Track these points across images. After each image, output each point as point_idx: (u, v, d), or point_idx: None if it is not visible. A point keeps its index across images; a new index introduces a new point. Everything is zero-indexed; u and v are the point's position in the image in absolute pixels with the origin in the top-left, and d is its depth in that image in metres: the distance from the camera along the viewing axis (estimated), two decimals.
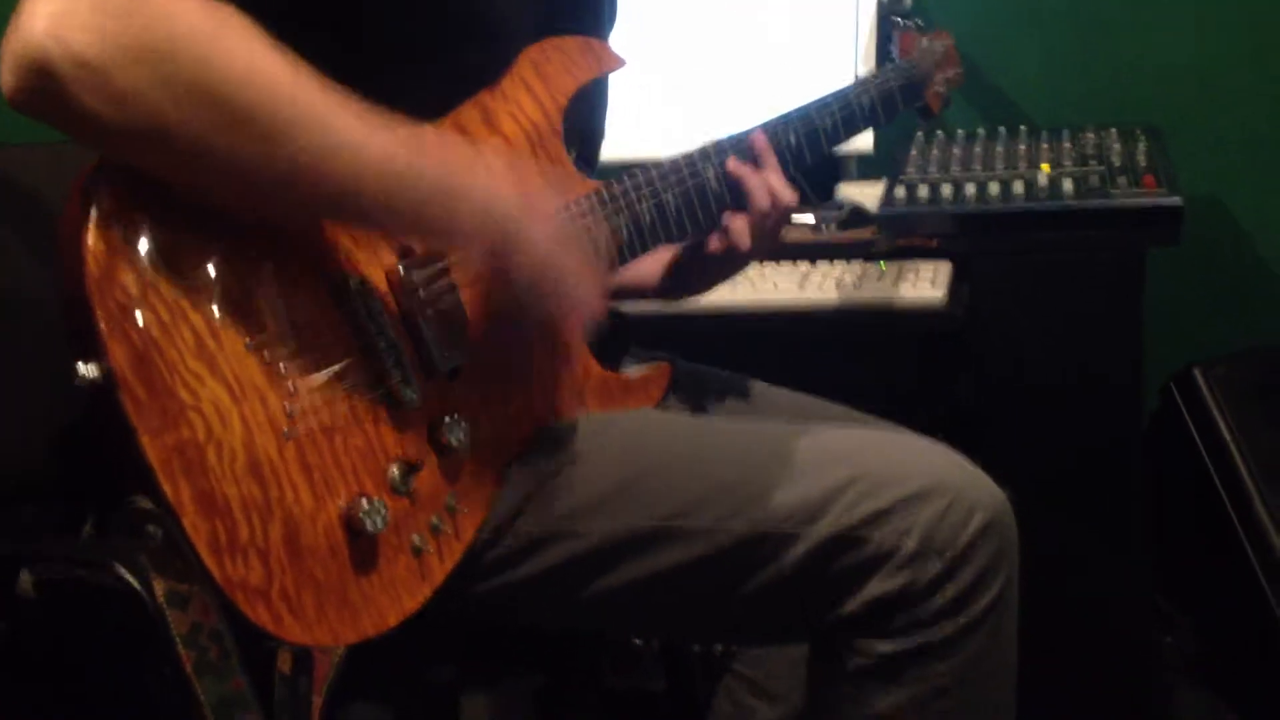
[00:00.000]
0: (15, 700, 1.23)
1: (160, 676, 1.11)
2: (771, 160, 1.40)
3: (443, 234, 1.14)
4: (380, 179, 1.05)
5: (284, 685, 1.11)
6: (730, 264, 1.46)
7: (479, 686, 1.56)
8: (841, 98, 1.50)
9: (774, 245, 1.44)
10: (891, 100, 1.58)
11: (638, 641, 2.12)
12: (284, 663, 1.10)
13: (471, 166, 1.13)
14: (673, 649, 1.98)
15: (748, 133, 1.41)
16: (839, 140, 1.50)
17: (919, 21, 1.81)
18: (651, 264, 1.53)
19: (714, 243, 1.40)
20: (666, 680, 2.02)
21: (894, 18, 1.96)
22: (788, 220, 1.44)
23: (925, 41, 1.71)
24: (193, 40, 0.95)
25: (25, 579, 1.19)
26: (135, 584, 1.09)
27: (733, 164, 1.38)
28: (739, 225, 1.37)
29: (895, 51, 1.72)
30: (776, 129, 1.43)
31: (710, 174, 1.38)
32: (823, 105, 1.48)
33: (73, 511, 1.34)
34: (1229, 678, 2.19)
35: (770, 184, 1.38)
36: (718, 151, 1.39)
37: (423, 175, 1.08)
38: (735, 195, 1.38)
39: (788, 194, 1.39)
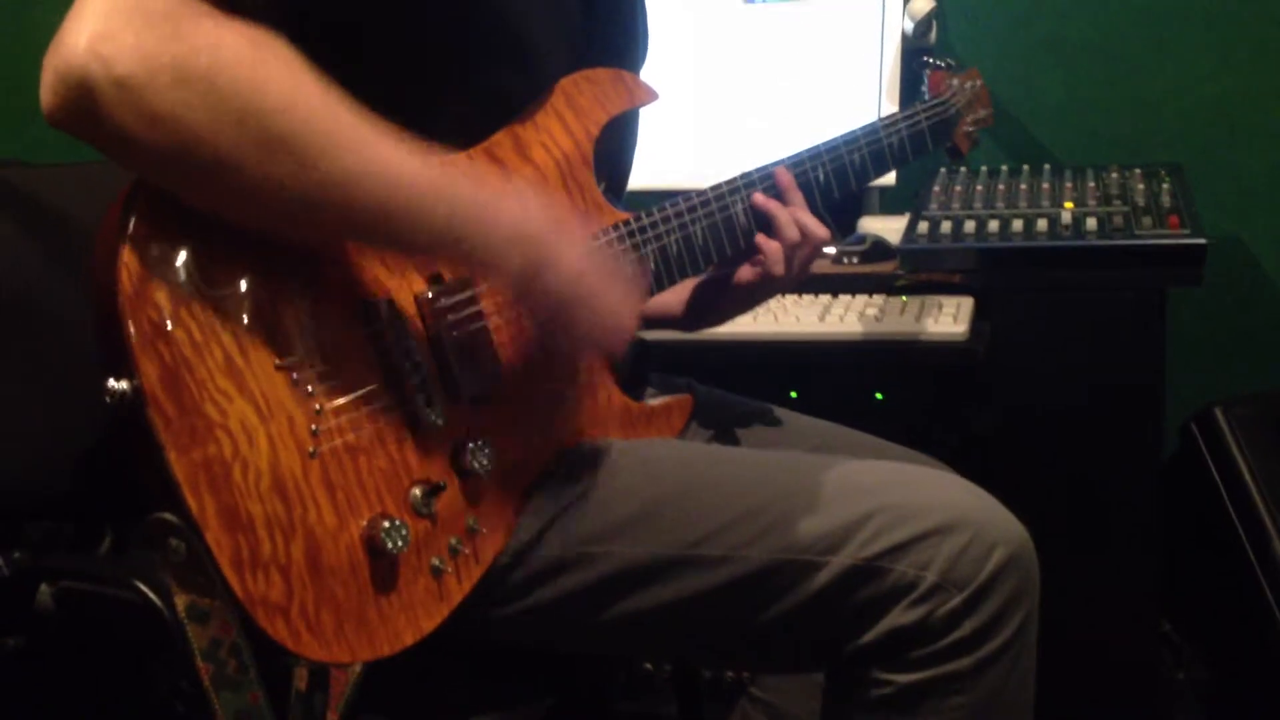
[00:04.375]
0: (34, 712, 1.23)
1: (177, 690, 1.12)
2: (797, 197, 1.42)
3: (473, 258, 1.15)
4: (410, 203, 1.06)
5: (300, 702, 1.12)
6: (754, 296, 1.47)
7: (490, 708, 1.56)
8: (871, 134, 1.51)
9: (802, 278, 1.45)
10: (921, 140, 1.58)
11: (648, 666, 2.13)
12: (300, 680, 1.11)
13: (502, 192, 1.14)
14: (683, 674, 1.97)
15: (775, 165, 1.43)
16: (867, 179, 1.51)
17: (950, 61, 1.81)
18: (675, 294, 1.54)
19: (744, 272, 1.42)
20: (677, 705, 2.02)
21: (925, 56, 1.97)
22: (819, 254, 1.45)
23: (955, 81, 1.71)
24: (234, 65, 0.97)
25: (44, 593, 1.20)
26: (156, 600, 1.10)
27: (759, 199, 1.40)
28: (771, 255, 1.39)
29: (925, 90, 1.72)
30: (804, 164, 1.45)
31: (739, 207, 1.39)
32: (851, 141, 1.49)
33: (90, 527, 1.35)
34: (1242, 714, 2.18)
35: (799, 219, 1.40)
36: (746, 185, 1.41)
37: (454, 200, 1.09)
38: (765, 228, 1.41)
39: (819, 228, 1.41)
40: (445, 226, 1.09)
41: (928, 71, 1.75)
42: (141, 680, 1.17)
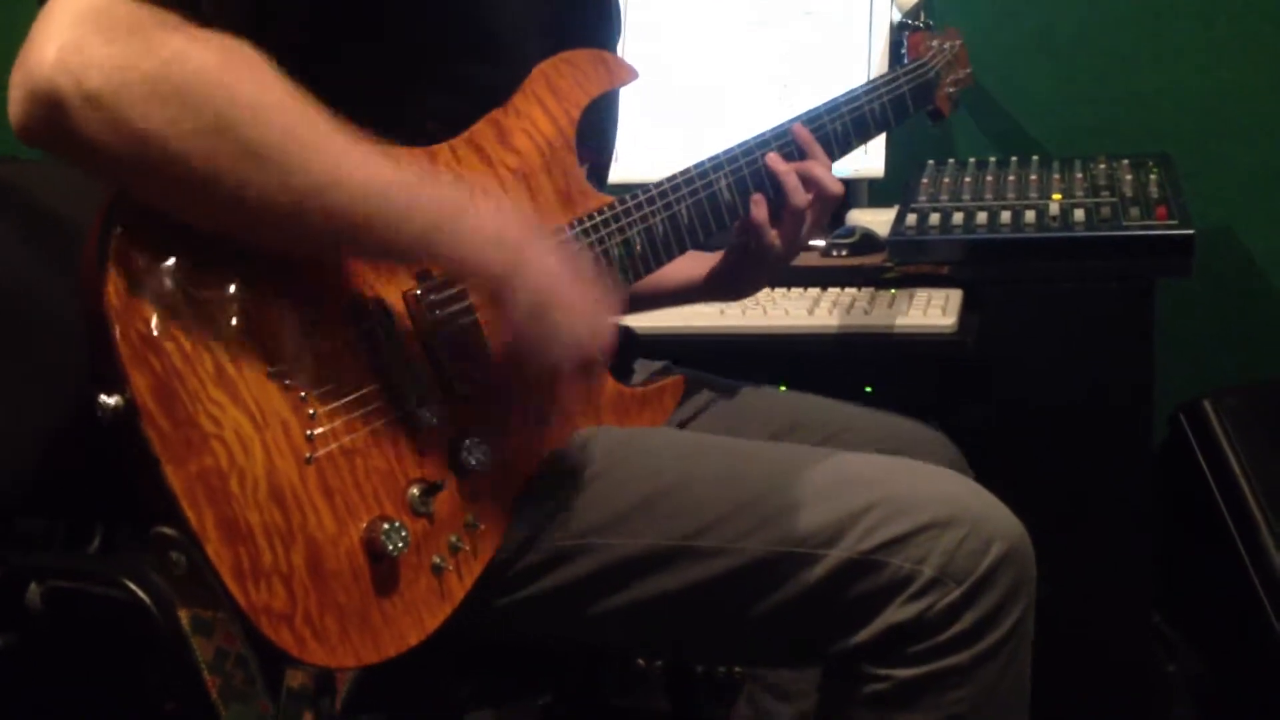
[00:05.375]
0: (24, 711, 1.23)
1: (168, 689, 1.11)
2: (816, 150, 1.44)
3: (448, 260, 1.15)
4: (385, 209, 1.06)
5: (291, 700, 1.11)
6: (780, 260, 1.48)
7: (486, 705, 1.56)
8: (852, 101, 1.52)
9: (817, 231, 1.48)
10: (902, 103, 1.59)
11: (641, 661, 2.13)
12: (293, 679, 1.10)
13: (475, 196, 1.14)
14: (677, 670, 1.98)
15: (763, 136, 1.44)
16: (850, 147, 1.52)
17: (929, 21, 1.80)
18: (696, 265, 1.55)
19: (767, 237, 1.44)
20: (670, 701, 2.02)
21: (905, 20, 1.96)
22: (835, 207, 1.47)
23: (935, 42, 1.70)
24: (205, 77, 0.96)
25: (34, 591, 1.19)
26: (146, 599, 1.10)
27: (773, 159, 1.42)
28: (790, 218, 1.42)
29: (905, 52, 1.72)
30: (787, 134, 1.45)
31: (722, 184, 1.40)
32: (833, 109, 1.50)
33: (80, 526, 1.34)
34: (1233, 705, 2.18)
35: (814, 173, 1.42)
36: (729, 160, 1.41)
37: (428, 204, 1.09)
38: (776, 189, 1.42)
39: (834, 181, 1.43)
40: (421, 231, 1.08)
41: (907, 34, 1.73)
42: (132, 679, 1.17)
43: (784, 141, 1.44)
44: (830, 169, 1.44)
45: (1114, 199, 1.89)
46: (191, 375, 1.00)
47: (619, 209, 1.33)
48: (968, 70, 1.74)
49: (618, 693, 2.17)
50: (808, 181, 1.42)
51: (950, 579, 1.15)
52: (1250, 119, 2.31)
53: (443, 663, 1.31)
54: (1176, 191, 1.91)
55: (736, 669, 2.07)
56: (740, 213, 1.42)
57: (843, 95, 1.52)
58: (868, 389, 2.00)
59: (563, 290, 1.16)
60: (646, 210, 1.35)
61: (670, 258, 1.38)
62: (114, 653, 1.17)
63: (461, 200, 1.12)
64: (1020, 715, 1.22)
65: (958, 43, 1.73)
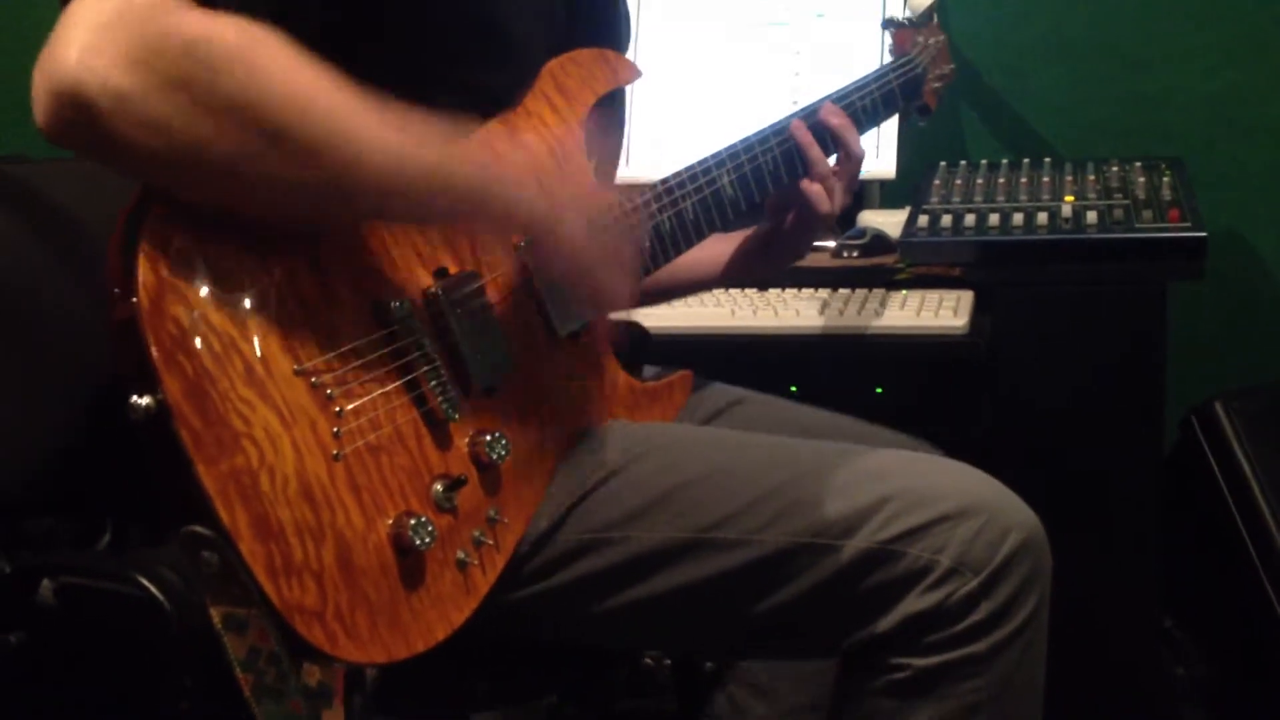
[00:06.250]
0: (36, 708, 1.23)
1: (180, 686, 1.11)
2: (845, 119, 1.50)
3: (483, 222, 1.18)
4: (418, 175, 1.07)
5: (304, 696, 1.11)
6: (801, 243, 1.53)
7: (492, 705, 1.56)
8: (844, 98, 1.54)
9: (845, 202, 1.51)
10: (893, 98, 1.62)
11: (649, 661, 2.13)
12: (310, 677, 1.10)
13: (508, 158, 1.17)
14: (685, 670, 1.97)
15: (763, 133, 1.47)
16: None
17: (910, 17, 1.81)
18: (710, 253, 1.57)
19: (789, 218, 1.50)
20: (678, 701, 2.02)
21: (890, 16, 1.97)
22: (859, 169, 1.52)
23: (920, 38, 1.71)
24: (229, 62, 0.96)
25: (46, 588, 1.19)
26: (158, 594, 1.10)
27: (797, 126, 1.46)
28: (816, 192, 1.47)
29: (891, 49, 1.73)
30: (785, 132, 1.48)
31: (725, 180, 1.42)
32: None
33: (90, 523, 1.34)
34: (1243, 709, 2.18)
35: (837, 127, 1.48)
36: (731, 157, 1.43)
37: (460, 168, 1.10)
38: (797, 165, 1.47)
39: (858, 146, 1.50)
40: (455, 197, 1.11)
41: (892, 30, 1.74)
42: (145, 676, 1.17)
43: (782, 138, 1.47)
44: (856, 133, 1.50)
45: (1126, 201, 1.89)
46: (222, 375, 1.00)
47: (628, 207, 1.34)
48: (950, 66, 1.76)
49: (624, 693, 2.17)
50: (836, 141, 1.48)
51: (968, 569, 1.16)
52: (1259, 121, 2.31)
53: (456, 661, 1.32)
54: (1189, 194, 1.91)
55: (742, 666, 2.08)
56: (744, 208, 1.44)
57: (835, 92, 1.54)
58: (878, 390, 2.00)
59: (593, 245, 1.21)
60: (654, 208, 1.37)
61: (678, 253, 1.40)
62: (127, 650, 1.17)
63: (493, 165, 1.15)
64: (1034, 705, 1.23)
65: (941, 38, 1.74)
